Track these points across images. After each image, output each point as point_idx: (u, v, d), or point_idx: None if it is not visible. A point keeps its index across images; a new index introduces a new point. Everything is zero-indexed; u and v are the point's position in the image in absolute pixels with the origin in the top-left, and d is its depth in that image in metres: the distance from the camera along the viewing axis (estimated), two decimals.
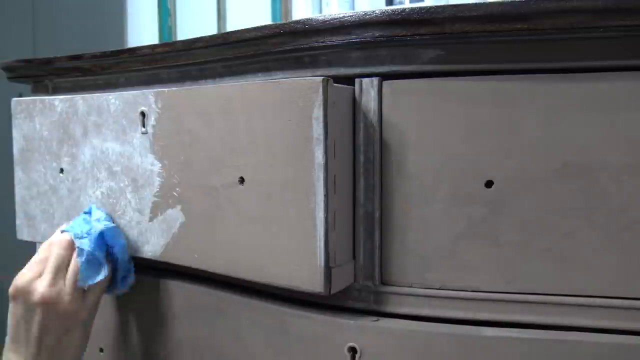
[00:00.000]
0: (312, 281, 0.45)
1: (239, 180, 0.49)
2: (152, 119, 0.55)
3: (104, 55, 0.64)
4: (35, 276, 0.55)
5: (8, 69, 0.74)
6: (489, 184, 0.45)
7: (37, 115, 0.66)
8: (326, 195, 0.45)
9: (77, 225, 0.59)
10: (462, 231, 0.46)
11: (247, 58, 0.53)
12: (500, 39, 0.44)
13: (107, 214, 0.60)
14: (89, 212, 0.61)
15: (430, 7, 0.44)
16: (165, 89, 0.55)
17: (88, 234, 0.57)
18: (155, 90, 0.56)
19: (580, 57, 0.44)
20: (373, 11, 0.46)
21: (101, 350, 0.66)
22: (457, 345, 0.45)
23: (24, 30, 1.62)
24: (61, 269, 0.55)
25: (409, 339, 0.46)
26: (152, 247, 0.57)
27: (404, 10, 0.45)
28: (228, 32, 0.53)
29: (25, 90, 0.77)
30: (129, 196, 0.58)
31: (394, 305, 0.48)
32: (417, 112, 0.47)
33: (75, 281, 0.55)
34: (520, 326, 0.45)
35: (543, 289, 0.45)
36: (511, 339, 0.44)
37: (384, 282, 0.49)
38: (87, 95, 0.61)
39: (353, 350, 0.48)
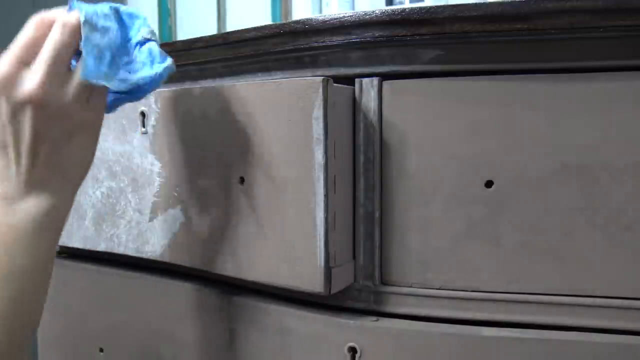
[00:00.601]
0: (312, 281, 0.45)
1: (239, 180, 0.49)
2: (152, 119, 0.55)
3: None
4: (23, 64, 0.41)
5: None
6: (489, 184, 0.45)
7: None
8: (326, 195, 0.45)
9: (94, 8, 0.43)
10: (462, 231, 0.46)
11: (247, 58, 0.53)
12: (500, 39, 0.44)
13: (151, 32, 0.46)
14: (119, 11, 0.45)
15: (430, 7, 0.44)
16: (165, 89, 0.55)
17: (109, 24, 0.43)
18: (155, 90, 0.56)
19: (580, 57, 0.44)
20: (373, 11, 0.46)
21: (101, 350, 0.66)
22: (457, 345, 0.45)
23: None
24: (63, 60, 0.41)
25: (409, 339, 0.46)
26: (152, 247, 0.57)
27: (404, 10, 0.45)
28: (228, 32, 0.53)
29: None
30: (129, 196, 0.58)
31: (394, 305, 0.48)
32: (417, 112, 0.47)
33: (82, 82, 0.42)
34: (520, 326, 0.45)
35: (543, 289, 0.45)
36: (511, 339, 0.44)
37: (384, 282, 0.49)
38: None
39: (353, 350, 0.48)
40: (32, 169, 0.42)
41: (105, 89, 0.44)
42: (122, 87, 0.44)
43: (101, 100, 0.45)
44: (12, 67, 0.41)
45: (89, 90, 0.43)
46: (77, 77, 0.42)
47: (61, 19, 0.41)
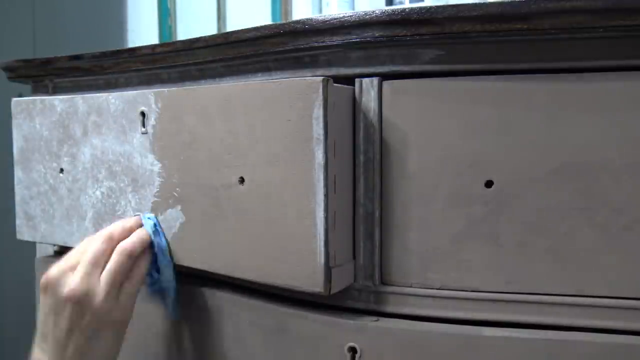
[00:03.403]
0: (312, 281, 0.45)
1: (239, 180, 0.49)
2: (152, 119, 0.55)
3: (104, 55, 0.64)
4: (69, 269, 0.51)
5: (8, 69, 0.74)
6: (489, 184, 0.45)
7: (37, 115, 0.66)
8: (326, 195, 0.45)
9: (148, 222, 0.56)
10: (462, 231, 0.46)
11: (247, 58, 0.53)
12: (500, 39, 0.44)
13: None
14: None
15: (430, 7, 0.44)
16: (165, 89, 0.55)
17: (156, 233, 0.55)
18: (155, 90, 0.56)
19: (580, 57, 0.44)
20: (373, 11, 0.46)
21: None
22: (457, 345, 0.45)
23: (24, 30, 1.62)
24: (98, 263, 0.51)
25: (409, 339, 0.46)
26: None
27: (404, 10, 0.45)
28: (228, 32, 0.53)
29: (25, 90, 0.77)
30: (129, 196, 0.58)
31: (394, 305, 0.48)
32: (417, 112, 0.47)
33: (113, 279, 0.51)
34: (520, 326, 0.45)
35: (543, 289, 0.45)
36: (511, 339, 0.44)
37: (384, 282, 0.49)
38: (87, 95, 0.61)
39: (353, 350, 0.48)
40: (62, 355, 0.50)
41: (134, 289, 0.53)
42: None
43: (130, 299, 0.53)
44: (63, 270, 0.51)
45: (118, 290, 0.51)
46: (109, 279, 0.51)
47: (106, 234, 0.53)
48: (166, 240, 0.55)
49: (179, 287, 0.57)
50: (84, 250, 0.52)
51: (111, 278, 0.51)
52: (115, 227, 0.54)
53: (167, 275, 0.55)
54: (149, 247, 0.54)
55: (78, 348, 0.50)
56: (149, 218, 0.56)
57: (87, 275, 0.50)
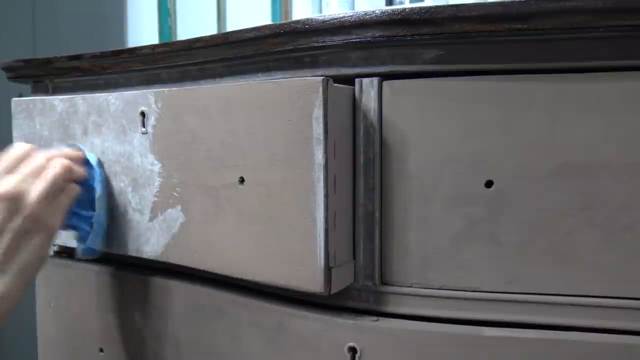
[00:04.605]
0: (312, 281, 0.45)
1: (239, 180, 0.49)
2: (152, 119, 0.55)
3: (104, 55, 0.64)
4: (4, 172, 0.52)
5: (8, 69, 0.74)
6: (489, 184, 0.45)
7: (37, 115, 0.66)
8: (326, 195, 0.45)
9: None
10: (462, 231, 0.46)
11: (247, 58, 0.53)
12: (500, 39, 0.44)
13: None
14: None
15: (430, 7, 0.44)
16: (165, 89, 0.55)
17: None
18: (155, 90, 0.56)
19: (580, 57, 0.44)
20: (373, 11, 0.46)
21: (101, 350, 0.66)
22: (457, 345, 0.45)
23: (24, 30, 1.62)
24: (36, 173, 0.52)
25: (409, 339, 0.46)
26: (152, 247, 0.57)
27: (404, 10, 0.45)
28: (228, 32, 0.53)
29: (25, 90, 0.77)
30: (129, 196, 0.58)
31: (394, 305, 0.48)
32: (417, 112, 0.47)
33: (49, 185, 0.52)
34: (520, 326, 0.45)
35: (543, 289, 0.45)
36: (511, 339, 0.44)
37: (384, 282, 0.49)
38: (87, 95, 0.61)
39: (353, 350, 0.48)
40: None
41: (67, 203, 0.54)
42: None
43: (62, 210, 0.54)
44: None
45: (52, 197, 0.52)
46: (42, 183, 0.52)
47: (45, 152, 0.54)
48: (104, 171, 0.60)
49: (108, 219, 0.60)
50: (22, 159, 0.53)
51: (46, 183, 0.52)
52: (56, 151, 0.56)
53: (100, 209, 0.59)
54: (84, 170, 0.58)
55: (6, 248, 0.50)
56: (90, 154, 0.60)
57: (23, 179, 0.51)
